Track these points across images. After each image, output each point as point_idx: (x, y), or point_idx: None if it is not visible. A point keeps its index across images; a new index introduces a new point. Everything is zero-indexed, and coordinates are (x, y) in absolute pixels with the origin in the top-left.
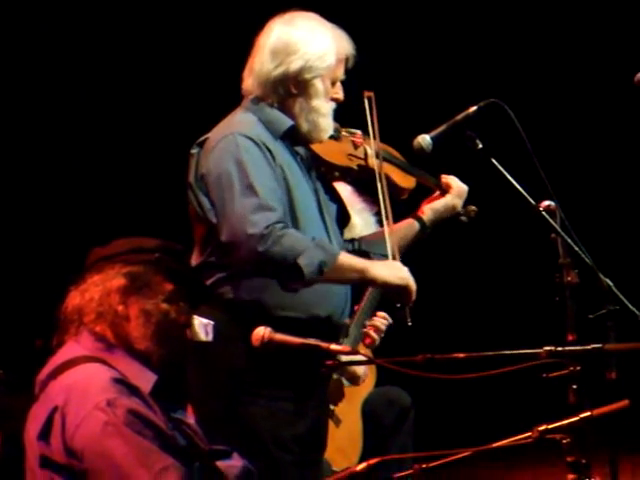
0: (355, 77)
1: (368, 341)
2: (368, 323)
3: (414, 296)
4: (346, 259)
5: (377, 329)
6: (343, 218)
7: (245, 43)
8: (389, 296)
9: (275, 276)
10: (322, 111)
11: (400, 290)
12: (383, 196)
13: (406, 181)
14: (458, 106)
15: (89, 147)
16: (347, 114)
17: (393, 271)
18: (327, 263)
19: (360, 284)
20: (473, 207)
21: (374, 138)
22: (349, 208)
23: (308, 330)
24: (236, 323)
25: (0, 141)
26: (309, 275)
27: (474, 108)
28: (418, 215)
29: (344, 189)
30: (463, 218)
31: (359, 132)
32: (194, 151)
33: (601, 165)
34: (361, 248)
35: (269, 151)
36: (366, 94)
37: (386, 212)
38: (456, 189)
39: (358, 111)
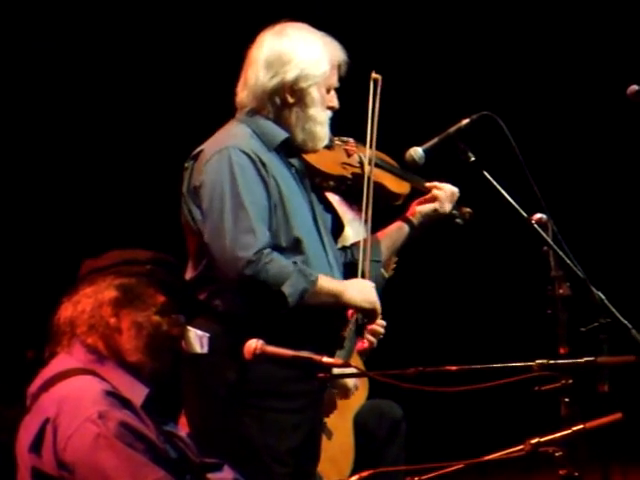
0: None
1: (366, 344)
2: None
3: (378, 317)
4: (324, 284)
5: (374, 332)
6: (337, 228)
7: (238, 54)
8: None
9: (258, 300)
10: (319, 119)
11: (368, 312)
12: (367, 203)
13: (400, 187)
14: (450, 118)
15: (82, 159)
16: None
17: (364, 295)
18: (308, 290)
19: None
20: (468, 209)
21: (372, 124)
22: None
23: (303, 342)
24: (231, 335)
25: None
26: (292, 303)
27: (466, 120)
28: (407, 217)
29: (333, 199)
30: (458, 220)
31: (352, 140)
32: (187, 164)
33: (594, 178)
34: (354, 256)
35: (263, 164)
36: (373, 76)
37: (366, 218)
38: (446, 195)
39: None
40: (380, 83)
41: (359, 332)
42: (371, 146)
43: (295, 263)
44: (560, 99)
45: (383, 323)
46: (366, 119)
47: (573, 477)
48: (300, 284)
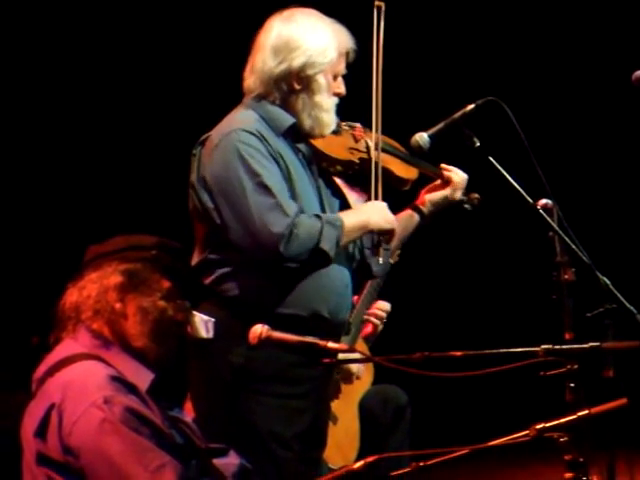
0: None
1: (371, 328)
2: (368, 311)
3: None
4: (349, 223)
5: (377, 316)
6: None
7: (245, 41)
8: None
9: (302, 266)
10: (325, 106)
11: (389, 232)
12: (376, 188)
13: (408, 172)
14: (456, 104)
15: (87, 145)
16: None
17: (385, 217)
18: (340, 237)
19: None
20: (476, 195)
21: (377, 56)
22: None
23: (310, 327)
24: (237, 320)
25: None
26: (333, 255)
27: (472, 106)
28: (417, 206)
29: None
30: (467, 206)
31: (359, 125)
32: (195, 151)
33: (599, 163)
34: (362, 243)
35: (270, 145)
36: (376, 3)
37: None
38: (457, 182)
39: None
40: (383, 10)
41: (374, 252)
42: (377, 129)
43: (318, 216)
44: (566, 84)
45: (387, 307)
46: (371, 53)
47: (578, 462)
48: (333, 235)
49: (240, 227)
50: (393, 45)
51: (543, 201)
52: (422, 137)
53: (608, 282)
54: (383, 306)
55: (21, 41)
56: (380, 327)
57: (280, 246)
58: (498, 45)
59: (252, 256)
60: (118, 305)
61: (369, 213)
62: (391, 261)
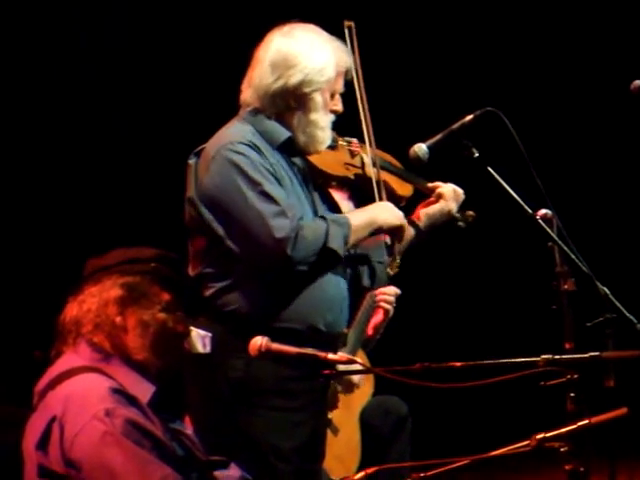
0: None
1: (381, 315)
2: (377, 297)
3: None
4: (355, 221)
5: (387, 300)
6: None
7: (244, 53)
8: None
9: (311, 269)
10: (320, 124)
11: (399, 229)
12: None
13: (403, 188)
14: (454, 114)
15: (85, 159)
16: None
17: (393, 213)
18: (348, 235)
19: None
20: (471, 212)
21: (355, 68)
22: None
23: (306, 340)
24: (234, 335)
25: None
26: (343, 253)
27: (470, 117)
28: (413, 220)
29: (335, 195)
30: (461, 223)
31: (355, 140)
32: (191, 162)
33: (598, 173)
34: (357, 253)
35: (266, 158)
36: (346, 23)
37: None
38: (449, 194)
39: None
40: (354, 29)
41: (389, 252)
42: (371, 145)
43: (323, 217)
44: (564, 95)
45: (396, 291)
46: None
47: (579, 472)
48: (340, 233)
49: (245, 237)
50: (390, 55)
51: (542, 211)
52: (421, 148)
53: (608, 292)
54: (391, 290)
55: (18, 54)
56: (391, 312)
57: (287, 250)
58: (496, 56)
59: (260, 265)
60: (118, 319)
61: (376, 210)
62: (391, 273)
